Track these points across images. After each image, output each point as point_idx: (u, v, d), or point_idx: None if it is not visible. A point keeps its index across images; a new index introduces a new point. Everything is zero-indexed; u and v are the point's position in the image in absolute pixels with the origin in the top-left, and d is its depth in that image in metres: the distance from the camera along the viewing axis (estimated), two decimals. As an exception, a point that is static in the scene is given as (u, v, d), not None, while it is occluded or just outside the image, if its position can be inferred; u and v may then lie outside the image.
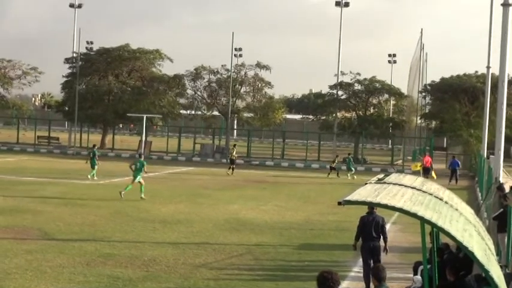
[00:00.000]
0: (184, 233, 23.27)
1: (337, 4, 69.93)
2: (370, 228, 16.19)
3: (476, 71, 66.69)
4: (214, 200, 33.12)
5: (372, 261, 16.13)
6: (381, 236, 16.41)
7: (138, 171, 33.00)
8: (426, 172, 48.14)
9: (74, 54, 74.01)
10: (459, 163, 51.70)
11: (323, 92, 74.49)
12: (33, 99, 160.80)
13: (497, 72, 28.67)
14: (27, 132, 76.26)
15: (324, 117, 72.99)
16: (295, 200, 34.84)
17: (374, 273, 10.85)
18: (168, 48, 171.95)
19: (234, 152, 49.86)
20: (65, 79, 75.15)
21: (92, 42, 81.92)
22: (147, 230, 23.37)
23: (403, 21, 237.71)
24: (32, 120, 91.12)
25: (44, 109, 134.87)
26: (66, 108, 75.51)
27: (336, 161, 51.26)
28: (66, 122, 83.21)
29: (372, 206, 14.52)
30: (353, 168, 51.30)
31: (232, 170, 47.57)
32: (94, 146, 42.15)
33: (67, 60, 75.11)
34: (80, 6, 76.20)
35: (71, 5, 75.86)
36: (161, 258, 18.84)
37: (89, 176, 39.45)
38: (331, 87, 71.23)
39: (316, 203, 33.49)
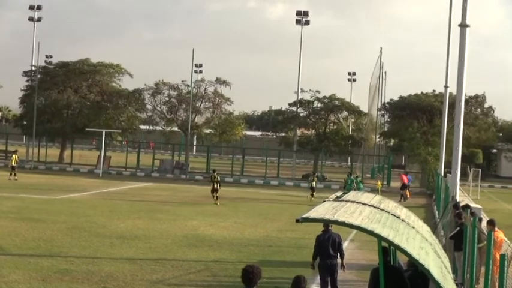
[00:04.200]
0: (142, 248, 23.15)
1: (298, 22, 70.36)
2: (327, 246, 16.22)
3: (434, 90, 67.48)
4: (173, 216, 32.97)
5: (329, 278, 16.18)
6: (338, 254, 16.46)
7: None
8: (403, 188, 49.21)
9: (33, 68, 73.37)
10: (411, 178, 52.62)
11: (283, 109, 74.65)
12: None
13: (454, 92, 29.05)
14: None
15: (283, 134, 73.20)
16: (254, 216, 34.82)
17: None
18: (128, 63, 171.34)
19: (314, 182, 47.50)
20: (23, 93, 74.45)
21: (51, 56, 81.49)
22: (105, 246, 23.19)
23: (362, 40, 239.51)
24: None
25: (2, 123, 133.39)
26: (24, 122, 74.75)
27: (314, 180, 48.25)
28: (24, 136, 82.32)
29: (329, 223, 14.55)
30: (362, 186, 49.91)
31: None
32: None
33: (25, 74, 74.45)
34: (39, 19, 75.64)
35: (30, 19, 75.27)
36: (118, 274, 18.72)
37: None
38: (290, 104, 71.50)
39: (275, 220, 33.51)
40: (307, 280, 11.29)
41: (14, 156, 50.37)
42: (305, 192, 50.71)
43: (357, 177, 53.18)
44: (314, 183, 47.11)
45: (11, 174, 48.43)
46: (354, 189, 43.77)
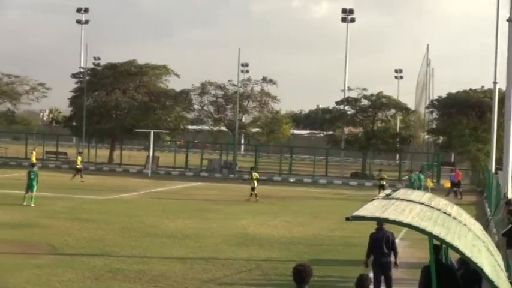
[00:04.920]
0: (193, 248, 23.31)
1: (343, 20, 70.13)
2: (381, 244, 16.17)
3: (483, 86, 66.67)
4: (222, 215, 33.14)
5: (382, 277, 16.13)
6: (391, 252, 16.40)
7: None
8: (457, 186, 48.68)
9: (81, 70, 74.22)
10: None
11: (330, 108, 74.43)
12: (41, 114, 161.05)
13: (504, 88, 28.72)
14: (36, 147, 76.29)
15: (331, 132, 72.98)
16: (304, 215, 34.81)
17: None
18: (174, 64, 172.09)
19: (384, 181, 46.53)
20: (72, 94, 75.33)
21: (99, 58, 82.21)
22: (156, 245, 23.41)
23: (409, 37, 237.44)
24: (40, 135, 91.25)
25: (52, 124, 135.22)
26: (74, 123, 75.65)
27: (383, 177, 47.19)
28: (74, 137, 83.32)
29: (379, 221, 14.51)
30: (428, 186, 48.15)
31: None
32: (33, 165, 37.71)
33: (74, 76, 75.34)
34: (86, 22, 76.48)
35: (78, 21, 76.14)
36: (170, 273, 18.86)
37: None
38: (338, 102, 71.23)
39: (325, 219, 33.46)
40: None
41: (78, 157, 51.24)
42: (354, 190, 50.64)
43: (420, 172, 51.79)
44: (383, 181, 46.48)
45: (74, 176, 48.98)
46: (418, 187, 43.42)
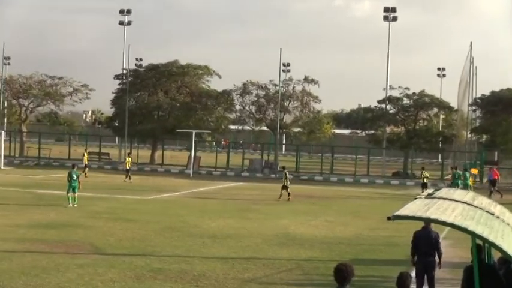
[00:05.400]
0: (234, 247, 23.33)
1: (385, 18, 69.74)
2: (424, 243, 16.00)
3: (527, 84, 65.88)
4: (263, 215, 33.14)
5: (426, 276, 15.96)
6: (435, 252, 16.22)
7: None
8: (493, 184, 48.10)
9: (124, 71, 74.77)
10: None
11: (372, 107, 74.06)
12: (84, 115, 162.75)
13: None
14: (78, 148, 77.11)
15: (372, 132, 72.64)
16: (345, 214, 34.69)
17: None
18: (216, 64, 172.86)
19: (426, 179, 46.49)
20: (114, 95, 75.92)
21: (141, 59, 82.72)
22: (197, 245, 23.47)
23: (452, 35, 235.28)
24: (83, 136, 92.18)
25: (95, 125, 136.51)
26: (116, 124, 76.29)
27: (426, 176, 46.85)
28: (116, 138, 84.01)
29: (421, 220, 14.35)
30: (470, 184, 47.24)
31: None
32: (73, 166, 36.82)
33: (117, 77, 75.93)
34: (129, 23, 77.02)
35: (120, 23, 76.72)
36: (211, 273, 18.87)
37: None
38: (379, 101, 70.84)
39: (366, 218, 33.31)
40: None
41: (128, 159, 51.80)
42: (396, 190, 50.34)
43: (465, 170, 51.04)
44: (426, 180, 46.22)
45: (126, 177, 49.46)
46: (462, 185, 42.99)
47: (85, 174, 50.42)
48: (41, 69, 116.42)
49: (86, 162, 54.67)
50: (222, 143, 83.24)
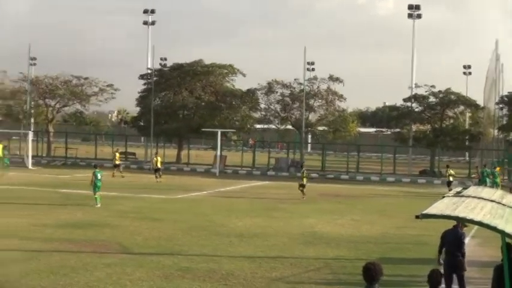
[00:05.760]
0: (261, 246, 23.35)
1: (410, 16, 69.46)
2: (452, 242, 15.94)
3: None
4: (289, 214, 33.14)
5: (455, 275, 15.87)
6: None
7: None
8: None
9: (148, 71, 75.02)
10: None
11: (397, 105, 73.79)
12: (110, 115, 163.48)
13: None
14: (105, 148, 77.52)
15: (398, 130, 72.36)
16: (371, 213, 34.60)
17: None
18: (240, 63, 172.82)
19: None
20: (140, 95, 76.20)
21: (165, 59, 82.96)
22: (224, 244, 23.53)
23: (477, 32, 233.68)
24: (109, 135, 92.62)
25: (120, 125, 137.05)
26: (142, 124, 76.55)
27: (451, 173, 46.34)
28: (142, 137, 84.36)
29: (450, 219, 14.27)
30: (498, 182, 46.35)
31: None
32: (96, 166, 36.91)
33: (142, 77, 76.16)
34: (153, 23, 77.29)
35: (145, 23, 77.01)
36: (238, 272, 18.90)
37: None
38: (405, 99, 70.54)
39: (393, 217, 33.20)
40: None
41: (156, 158, 52.07)
42: (423, 188, 50.01)
43: (494, 168, 50.74)
44: (451, 177, 45.94)
45: (157, 177, 49.68)
46: (490, 184, 42.64)
47: (113, 174, 50.88)
48: (67, 69, 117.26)
49: (118, 162, 54.97)
50: (250, 142, 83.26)
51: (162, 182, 48.14)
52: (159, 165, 51.02)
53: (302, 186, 40.82)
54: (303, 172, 41.89)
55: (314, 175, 59.96)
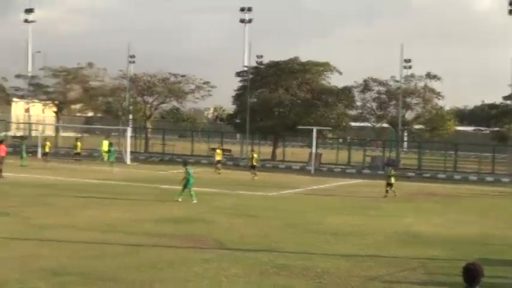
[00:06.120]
0: (356, 245, 23.25)
1: (510, 12, 67.89)
2: None
3: None
4: (385, 213, 32.93)
5: None
6: None
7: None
8: None
9: (245, 68, 75.60)
10: None
11: (497, 103, 72.36)
12: (206, 112, 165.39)
13: None
14: (201, 144, 78.63)
15: (497, 129, 70.93)
16: (469, 213, 34.02)
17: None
18: (336, 61, 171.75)
19: None
20: (236, 92, 76.92)
21: (261, 56, 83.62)
22: (319, 242, 23.52)
23: None
24: (205, 132, 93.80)
25: (216, 122, 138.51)
26: (237, 121, 77.25)
27: None
28: (238, 134, 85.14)
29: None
30: None
31: None
32: (185, 162, 37.19)
33: (238, 74, 76.86)
34: (250, 21, 77.89)
35: (242, 21, 77.68)
36: (333, 270, 18.82)
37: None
38: (505, 97, 69.14)
39: (493, 217, 32.61)
40: None
41: (252, 155, 53.30)
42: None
43: None
44: None
45: (252, 173, 50.13)
46: None
47: (217, 170, 51.86)
48: (165, 67, 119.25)
49: (219, 158, 55.71)
50: (350, 139, 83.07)
51: (258, 179, 48.43)
52: (254, 162, 51.33)
53: (389, 185, 40.45)
54: (390, 171, 41.49)
55: (410, 174, 59.38)
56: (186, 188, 34.13)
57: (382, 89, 70.60)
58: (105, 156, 56.13)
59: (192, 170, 35.77)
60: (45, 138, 62.19)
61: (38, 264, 17.82)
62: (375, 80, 70.61)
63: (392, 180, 40.57)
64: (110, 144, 58.39)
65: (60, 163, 56.85)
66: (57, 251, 19.91)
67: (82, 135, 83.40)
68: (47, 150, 56.10)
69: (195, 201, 33.47)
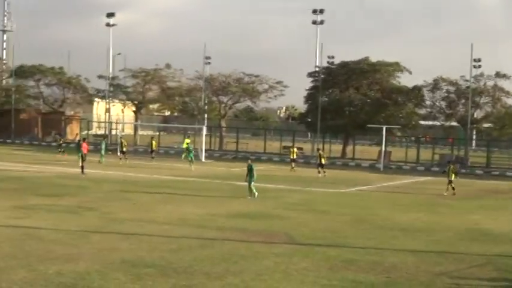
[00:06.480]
0: (424, 241, 23.45)
1: None
2: None
3: None
4: (454, 210, 33.08)
5: None
6: None
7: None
8: None
9: (316, 68, 76.14)
10: None
11: None
12: (278, 111, 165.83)
13: None
14: (273, 143, 79.40)
15: None
16: (541, 211, 33.90)
17: None
18: (406, 60, 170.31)
19: None
20: (307, 92, 77.46)
21: (333, 57, 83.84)
22: (388, 237, 23.83)
23: None
24: (277, 131, 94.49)
25: (288, 120, 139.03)
26: (309, 120, 77.84)
27: None
28: (309, 133, 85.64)
29: None
30: None
31: None
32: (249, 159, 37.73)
33: (310, 74, 77.41)
34: (321, 22, 78.36)
35: (313, 22, 78.22)
36: (401, 265, 18.96)
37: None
38: None
39: None
40: None
41: (318, 153, 53.35)
42: None
43: None
44: None
45: (319, 172, 50.58)
46: None
47: (292, 168, 52.58)
48: (239, 67, 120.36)
49: (295, 157, 56.39)
50: (425, 139, 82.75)
51: (327, 177, 48.82)
52: (323, 161, 51.72)
53: (450, 182, 40.45)
54: (450, 168, 41.41)
55: (479, 172, 59.10)
56: (251, 183, 34.53)
57: (452, 88, 70.23)
58: (187, 154, 57.58)
59: (256, 166, 36.12)
60: (121, 137, 63.78)
61: (117, 257, 18.49)
62: (444, 80, 70.29)
63: (453, 176, 40.60)
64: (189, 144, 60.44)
65: (138, 160, 58.14)
66: (136, 244, 20.60)
67: (159, 133, 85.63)
68: (123, 148, 57.62)
69: (254, 197, 33.87)
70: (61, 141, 65.84)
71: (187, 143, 63.23)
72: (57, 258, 18.00)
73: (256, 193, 34.10)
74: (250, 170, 34.63)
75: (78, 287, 15.16)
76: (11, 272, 16.21)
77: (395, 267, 18.77)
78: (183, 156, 60.52)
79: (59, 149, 62.90)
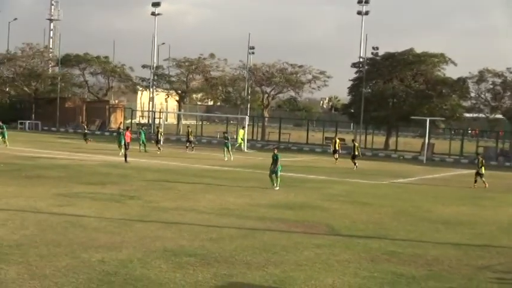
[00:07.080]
0: (467, 234, 23.26)
1: None
2: None
3: None
4: (497, 203, 32.82)
5: None
6: None
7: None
8: None
9: (361, 59, 75.85)
10: None
11: None
12: (321, 102, 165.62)
13: None
14: (316, 133, 79.34)
15: None
16: None
17: None
18: (451, 52, 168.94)
19: None
20: (351, 83, 77.28)
21: (377, 48, 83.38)
22: (430, 230, 23.67)
23: None
24: (320, 122, 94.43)
25: (331, 111, 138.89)
26: (352, 111, 77.68)
27: None
28: (352, 124, 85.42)
29: None
30: None
31: None
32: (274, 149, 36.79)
33: (354, 65, 77.19)
34: (366, 13, 78.06)
35: (359, 13, 77.95)
36: (443, 258, 18.86)
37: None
38: None
39: None
40: None
41: (353, 143, 53.19)
42: None
43: None
44: None
45: (354, 163, 50.43)
46: None
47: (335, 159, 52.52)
48: (283, 56, 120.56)
49: (337, 148, 56.16)
50: (472, 132, 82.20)
51: (365, 168, 48.53)
52: (356, 152, 51.34)
53: (479, 175, 40.00)
54: (480, 160, 40.92)
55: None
56: (278, 174, 34.06)
57: (498, 80, 69.48)
58: (241, 143, 57.72)
59: (281, 156, 35.85)
60: (157, 126, 64.19)
61: (159, 245, 18.57)
62: (490, 72, 69.57)
63: (483, 170, 40.17)
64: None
65: (177, 149, 58.46)
66: (178, 233, 20.67)
67: (202, 123, 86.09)
68: (160, 137, 57.89)
69: (277, 188, 33.53)
70: (86, 130, 66.39)
71: (242, 134, 63.60)
72: (100, 246, 18.14)
73: (278, 187, 33.66)
74: (275, 160, 34.17)
75: (120, 274, 15.26)
76: (55, 259, 16.36)
77: (437, 260, 18.66)
78: (240, 145, 60.87)
79: (85, 137, 63.46)
